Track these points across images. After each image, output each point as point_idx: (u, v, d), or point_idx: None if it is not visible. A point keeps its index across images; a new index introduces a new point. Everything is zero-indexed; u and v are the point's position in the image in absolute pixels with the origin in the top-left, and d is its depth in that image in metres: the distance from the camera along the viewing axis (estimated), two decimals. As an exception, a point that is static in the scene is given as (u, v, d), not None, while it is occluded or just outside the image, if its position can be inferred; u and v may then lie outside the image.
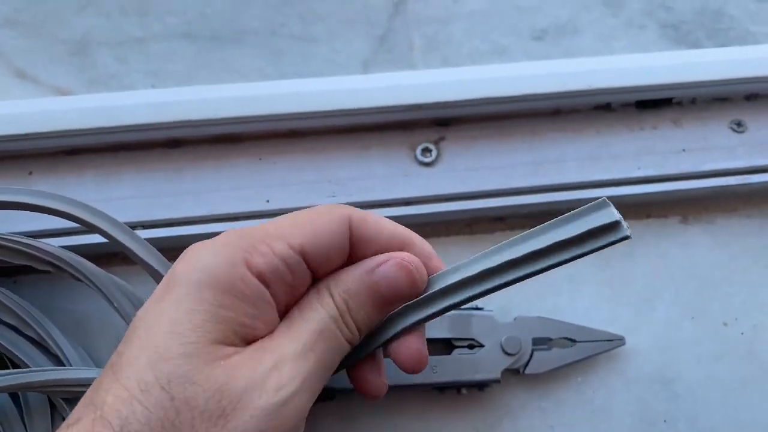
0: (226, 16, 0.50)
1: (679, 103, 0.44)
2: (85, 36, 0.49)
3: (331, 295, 0.28)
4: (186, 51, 0.48)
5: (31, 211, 0.35)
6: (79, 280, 0.37)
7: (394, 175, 0.42)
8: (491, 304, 0.41)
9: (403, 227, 0.31)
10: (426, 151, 0.42)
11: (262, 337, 0.26)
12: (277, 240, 0.27)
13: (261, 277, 0.26)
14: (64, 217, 0.35)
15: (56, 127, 0.40)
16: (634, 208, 0.44)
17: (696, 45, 0.50)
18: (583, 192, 0.42)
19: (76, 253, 0.37)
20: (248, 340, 0.26)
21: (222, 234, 0.27)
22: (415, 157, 0.42)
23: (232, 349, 0.25)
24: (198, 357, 0.24)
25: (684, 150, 0.43)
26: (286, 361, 0.25)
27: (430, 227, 0.43)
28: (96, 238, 0.38)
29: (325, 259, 0.28)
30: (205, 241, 0.27)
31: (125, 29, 0.49)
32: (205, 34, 0.49)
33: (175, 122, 0.41)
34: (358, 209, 0.29)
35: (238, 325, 0.25)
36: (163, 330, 0.24)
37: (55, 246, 0.37)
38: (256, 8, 0.50)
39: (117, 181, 0.41)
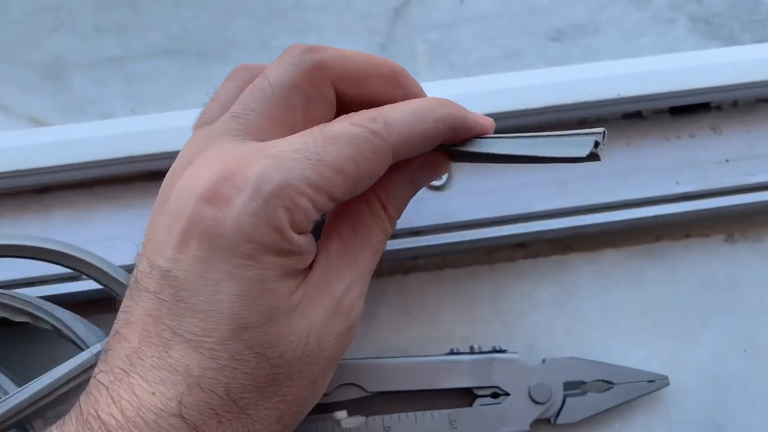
0: (211, 30, 0.45)
1: (719, 108, 0.40)
2: (58, 58, 0.45)
3: (385, 209, 0.28)
4: (169, 69, 0.44)
5: (15, 257, 0.32)
6: (58, 331, 0.33)
7: (402, 202, 0.37)
8: (515, 345, 0.37)
9: (379, 60, 0.29)
10: (436, 173, 0.38)
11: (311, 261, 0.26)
12: (319, 191, 0.24)
13: (303, 232, 0.25)
14: (52, 261, 0.32)
15: (23, 165, 0.36)
16: (672, 227, 0.39)
17: (731, 39, 0.45)
18: (615, 213, 0.37)
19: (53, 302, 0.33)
20: (303, 270, 0.26)
21: (248, 162, 0.24)
22: (424, 180, 0.38)
23: (297, 291, 0.25)
24: (276, 318, 0.24)
25: (727, 160, 0.38)
26: (353, 287, 0.27)
27: (443, 257, 0.38)
28: (75, 286, 0.35)
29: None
30: (220, 175, 0.24)
31: (102, 49, 0.45)
32: (189, 50, 0.45)
33: (156, 154, 0.36)
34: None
35: (290, 272, 0.25)
36: (226, 299, 0.24)
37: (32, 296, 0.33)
38: (243, 20, 0.45)
39: (91, 221, 0.37)
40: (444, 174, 0.33)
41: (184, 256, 0.24)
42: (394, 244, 0.36)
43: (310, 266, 0.26)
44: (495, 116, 0.36)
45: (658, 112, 0.39)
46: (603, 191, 0.37)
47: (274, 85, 0.27)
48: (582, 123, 0.39)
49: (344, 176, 0.25)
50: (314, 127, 0.26)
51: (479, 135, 0.29)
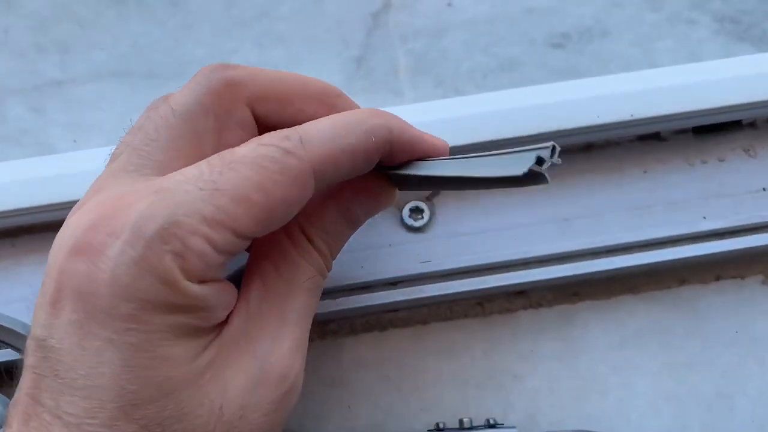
0: (164, 46, 0.40)
1: (752, 125, 0.33)
2: (-8, 83, 0.40)
3: (311, 242, 0.25)
4: (116, 93, 0.39)
5: None
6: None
7: (375, 247, 0.31)
8: (514, 416, 0.31)
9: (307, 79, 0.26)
10: (416, 211, 0.32)
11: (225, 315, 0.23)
12: (217, 227, 0.21)
13: (204, 281, 0.21)
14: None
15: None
16: (700, 269, 0.33)
17: (763, 41, 0.39)
18: (629, 256, 0.31)
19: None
20: (213, 327, 0.22)
21: (130, 202, 0.21)
22: (402, 220, 0.32)
23: (203, 353, 0.22)
24: (176, 389, 0.21)
25: (764, 189, 0.32)
26: (282, 339, 0.23)
27: (428, 309, 0.32)
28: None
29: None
30: (93, 222, 0.21)
31: (42, 71, 0.40)
32: (138, 70, 0.39)
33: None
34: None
35: (190, 332, 0.21)
36: (109, 371, 0.20)
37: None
38: (200, 33, 0.40)
39: (15, 278, 0.31)
40: (388, 203, 0.27)
41: (58, 322, 0.20)
42: (367, 299, 0.31)
43: (227, 320, 0.23)
44: (480, 147, 0.31)
45: (680, 133, 0.33)
46: (615, 230, 0.31)
47: (176, 109, 0.24)
48: (589, 147, 0.33)
49: (249, 206, 0.21)
50: (214, 155, 0.22)
51: (424, 156, 0.25)
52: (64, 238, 0.21)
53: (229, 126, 0.24)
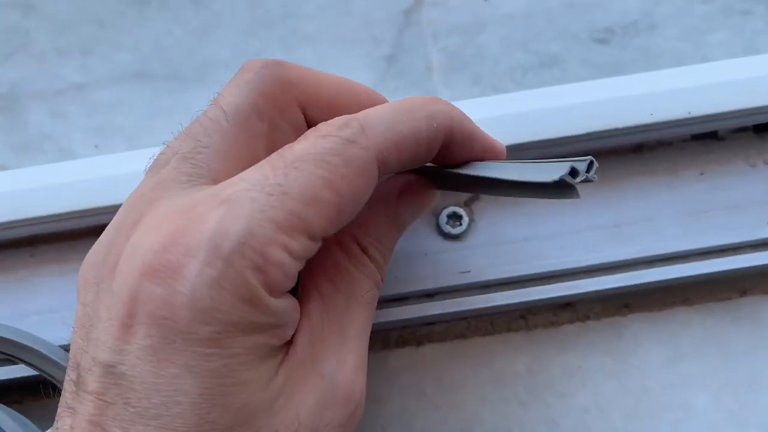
0: (188, 47, 0.38)
1: (819, 122, 0.31)
2: (13, 88, 0.38)
3: (366, 252, 0.24)
4: (138, 96, 0.38)
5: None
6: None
7: (409, 256, 0.29)
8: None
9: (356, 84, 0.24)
10: (454, 217, 0.30)
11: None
12: (292, 233, 0.20)
13: (283, 294, 0.20)
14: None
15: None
16: (763, 279, 0.30)
17: (824, 32, 0.36)
18: (685, 266, 0.29)
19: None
20: (282, 346, 0.21)
21: (198, 216, 0.20)
22: (439, 226, 0.30)
23: (277, 375, 0.20)
24: (253, 416, 0.20)
25: (834, 192, 0.29)
26: (347, 358, 0.22)
27: (467, 323, 0.30)
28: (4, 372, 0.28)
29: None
30: (164, 241, 0.19)
31: (63, 75, 0.39)
32: (162, 72, 0.38)
33: (112, 206, 0.30)
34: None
35: (268, 353, 0.20)
36: (187, 400, 0.19)
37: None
38: (225, 33, 0.38)
39: (32, 289, 0.30)
40: (431, 205, 0.26)
41: (129, 348, 0.19)
42: (402, 312, 0.29)
43: (291, 339, 0.22)
44: (529, 145, 0.29)
45: (740, 131, 0.31)
46: (669, 237, 0.29)
47: (228, 111, 0.22)
48: (640, 148, 0.31)
49: (321, 206, 0.20)
50: (276, 152, 0.21)
51: (481, 155, 0.24)
52: (134, 258, 0.20)
53: (282, 128, 0.23)
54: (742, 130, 0.31)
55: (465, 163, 0.24)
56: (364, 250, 0.24)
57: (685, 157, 0.31)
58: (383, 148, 0.21)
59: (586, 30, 0.37)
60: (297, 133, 0.23)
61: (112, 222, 0.22)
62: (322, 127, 0.21)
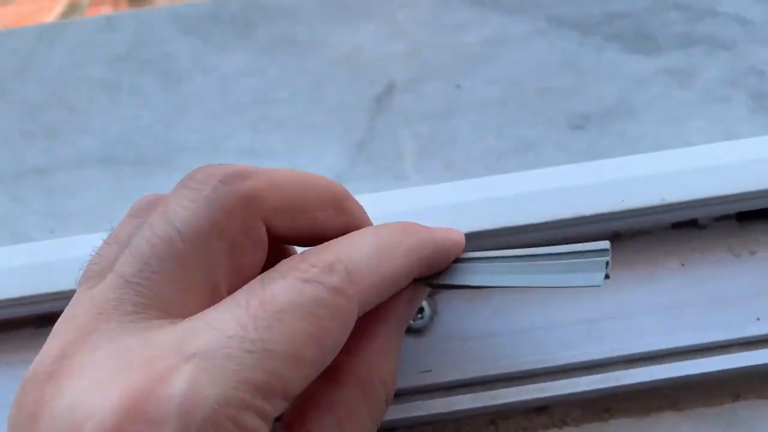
0: (154, 132, 0.38)
1: (807, 211, 0.29)
2: (-27, 171, 0.37)
3: (385, 385, 0.22)
4: (99, 180, 0.36)
5: None
6: None
7: (370, 353, 0.27)
8: None
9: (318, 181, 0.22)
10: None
11: None
12: (269, 396, 0.17)
13: None
14: None
15: None
16: (758, 381, 0.27)
17: (808, 120, 0.35)
18: (669, 366, 0.26)
19: None
20: None
21: (162, 374, 0.16)
22: (401, 322, 0.28)
23: None
24: None
25: (828, 285, 0.27)
26: None
27: (431, 428, 0.27)
28: None
29: None
30: (122, 406, 0.16)
31: (26, 158, 0.38)
32: (127, 156, 0.37)
33: (52, 293, 0.28)
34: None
35: None
36: None
37: None
38: (194, 118, 0.38)
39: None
40: (422, 300, 0.25)
41: None
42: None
43: None
44: (498, 232, 0.27)
45: (722, 219, 0.29)
46: (651, 334, 0.27)
47: (184, 231, 0.19)
48: (616, 236, 0.29)
49: (301, 365, 0.18)
50: (247, 291, 0.18)
51: (457, 258, 0.23)
52: (75, 418, 0.16)
53: (244, 246, 0.20)
54: (724, 218, 0.29)
55: (459, 260, 0.23)
56: (384, 383, 0.22)
57: (665, 247, 0.29)
58: (366, 294, 0.20)
59: (561, 116, 0.36)
60: (258, 249, 0.21)
61: (37, 360, 0.18)
62: (303, 265, 0.19)
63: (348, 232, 0.22)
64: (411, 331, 0.27)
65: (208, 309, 0.18)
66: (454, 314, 0.28)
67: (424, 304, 0.28)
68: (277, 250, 0.23)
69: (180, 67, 0.39)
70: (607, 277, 0.20)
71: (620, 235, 0.29)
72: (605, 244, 0.21)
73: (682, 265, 0.28)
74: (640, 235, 0.29)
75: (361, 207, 0.23)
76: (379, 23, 0.40)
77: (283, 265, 0.19)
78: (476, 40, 0.39)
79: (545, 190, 0.27)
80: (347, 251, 0.20)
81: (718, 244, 0.29)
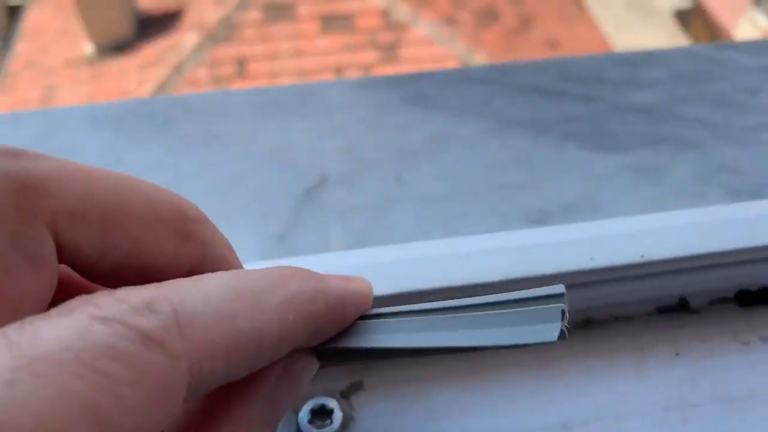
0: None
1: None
2: None
3: None
4: None
5: None
6: None
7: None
8: None
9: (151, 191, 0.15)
10: (321, 414, 0.20)
11: None
12: None
13: None
14: None
15: None
16: None
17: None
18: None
19: None
20: None
21: None
22: (299, 427, 0.20)
23: None
24: None
25: None
26: None
27: None
28: None
29: None
30: None
31: None
32: None
33: None
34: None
35: None
36: None
37: None
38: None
39: None
40: (309, 376, 0.17)
41: None
42: None
43: None
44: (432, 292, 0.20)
45: (718, 302, 0.23)
46: (646, 442, 0.19)
47: None
48: (586, 324, 0.22)
49: None
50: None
51: (361, 316, 0.17)
52: None
53: (12, 262, 0.14)
54: (722, 300, 0.23)
55: (364, 318, 0.17)
56: None
57: (651, 334, 0.22)
58: (204, 357, 0.13)
59: (519, 211, 0.31)
60: (38, 275, 0.14)
61: None
62: (104, 301, 0.12)
63: (197, 272, 0.15)
64: (315, 438, 0.19)
65: None
66: (376, 420, 0.20)
67: (335, 405, 0.20)
68: (81, 292, 0.14)
69: (86, 160, 0.35)
70: (563, 333, 0.15)
71: (591, 321, 0.23)
72: (560, 288, 0.16)
73: (677, 354, 0.21)
74: (619, 322, 0.23)
75: (223, 239, 0.16)
76: (313, 121, 0.36)
77: (77, 298, 0.12)
78: (419, 138, 0.35)
79: (497, 248, 0.21)
80: (183, 289, 0.13)
81: (716, 329, 0.22)
